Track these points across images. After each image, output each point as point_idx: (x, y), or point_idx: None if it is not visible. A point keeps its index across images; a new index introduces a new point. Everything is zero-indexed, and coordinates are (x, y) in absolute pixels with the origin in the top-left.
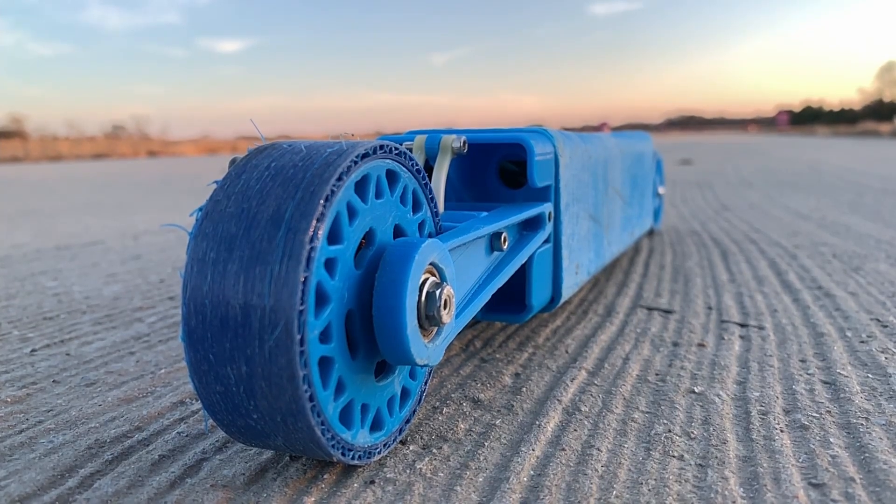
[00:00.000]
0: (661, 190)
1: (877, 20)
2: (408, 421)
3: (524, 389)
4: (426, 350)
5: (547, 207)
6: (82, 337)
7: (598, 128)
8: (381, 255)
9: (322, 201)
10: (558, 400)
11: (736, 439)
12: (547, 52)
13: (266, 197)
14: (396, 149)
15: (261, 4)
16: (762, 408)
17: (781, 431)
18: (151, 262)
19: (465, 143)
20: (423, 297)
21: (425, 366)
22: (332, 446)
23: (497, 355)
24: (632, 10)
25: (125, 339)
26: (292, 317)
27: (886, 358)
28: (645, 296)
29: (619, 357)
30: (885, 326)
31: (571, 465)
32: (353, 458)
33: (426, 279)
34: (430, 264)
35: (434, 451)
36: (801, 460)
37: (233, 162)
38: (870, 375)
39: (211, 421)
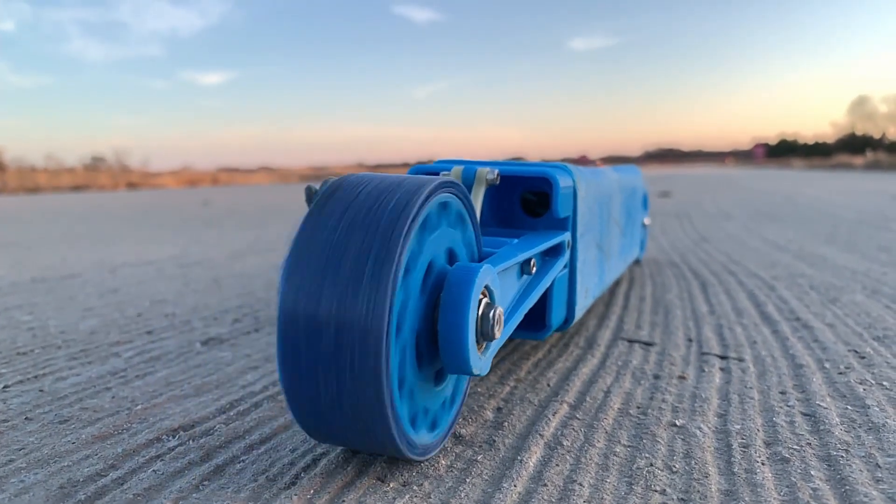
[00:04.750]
0: (646, 220)
1: (848, 55)
2: (454, 421)
3: (506, 424)
4: (480, 362)
5: (566, 236)
6: (57, 372)
7: (578, 160)
8: (438, 278)
9: (400, 241)
10: (540, 434)
11: (717, 472)
12: (527, 86)
13: (351, 235)
14: (452, 183)
15: (243, 38)
16: (743, 440)
17: (763, 464)
18: (129, 295)
19: (498, 175)
20: (479, 316)
21: (477, 375)
22: (404, 445)
23: (478, 389)
24: (610, 46)
25: (101, 374)
26: (380, 335)
27: (865, 389)
28: (626, 328)
29: (600, 390)
30: (863, 357)
31: (553, 500)
32: (418, 455)
33: (481, 300)
34: (484, 286)
35: (415, 487)
36: (782, 493)
37: (309, 189)
38: (849, 407)
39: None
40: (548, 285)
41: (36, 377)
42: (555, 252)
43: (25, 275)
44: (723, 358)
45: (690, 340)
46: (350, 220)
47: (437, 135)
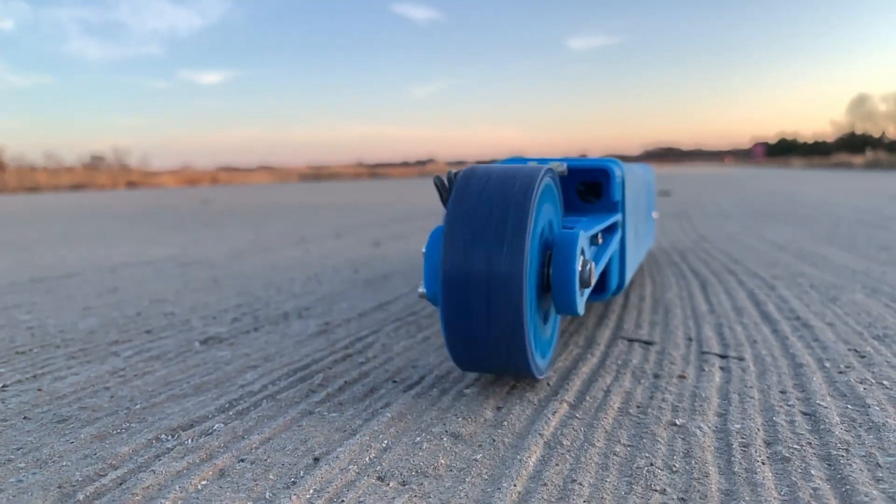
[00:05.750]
0: (654, 214)
1: (847, 54)
2: (553, 354)
3: (505, 423)
4: (581, 304)
5: (619, 217)
6: (55, 372)
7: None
8: (546, 242)
9: (529, 212)
10: (540, 434)
11: (717, 472)
12: (526, 85)
13: (492, 207)
14: (551, 171)
15: (243, 37)
16: (743, 440)
17: (763, 464)
18: (128, 294)
19: (566, 167)
20: (580, 268)
21: (578, 315)
22: (533, 367)
23: (477, 387)
24: (609, 45)
25: (100, 373)
26: (520, 285)
27: (865, 388)
28: (625, 327)
29: (600, 389)
30: (863, 357)
31: (553, 500)
32: (538, 374)
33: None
34: (581, 247)
35: (414, 487)
36: (782, 493)
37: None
38: (849, 406)
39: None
40: (609, 255)
41: (35, 376)
42: (611, 230)
43: (24, 274)
44: (723, 357)
45: (690, 339)
46: (488, 199)
47: (436, 134)
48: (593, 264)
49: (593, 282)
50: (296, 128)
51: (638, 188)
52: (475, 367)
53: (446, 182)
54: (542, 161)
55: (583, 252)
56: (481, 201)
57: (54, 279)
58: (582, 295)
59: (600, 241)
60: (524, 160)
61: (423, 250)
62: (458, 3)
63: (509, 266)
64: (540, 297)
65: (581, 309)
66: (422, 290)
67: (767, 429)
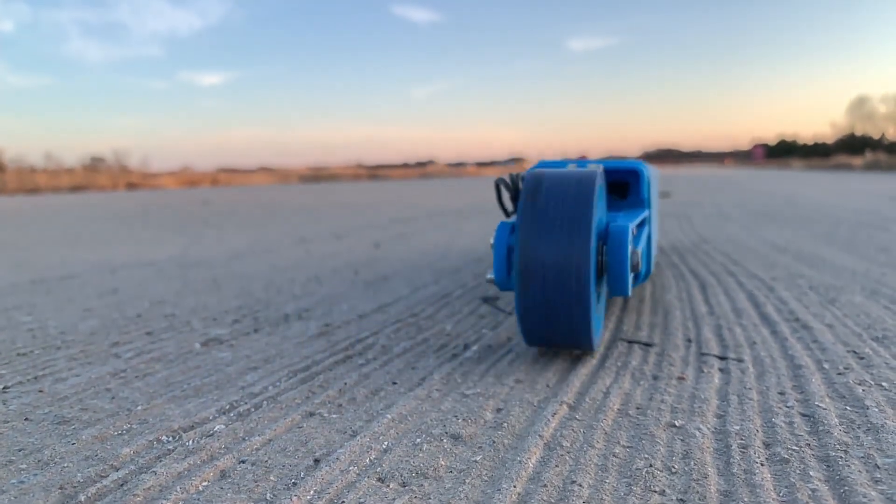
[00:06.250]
0: None
1: (847, 55)
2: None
3: (505, 424)
4: (630, 287)
5: (647, 213)
6: (56, 373)
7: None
8: (600, 234)
9: (592, 209)
10: (539, 435)
11: (717, 473)
12: (526, 86)
13: (560, 205)
14: (600, 173)
15: (243, 38)
16: (742, 441)
17: (762, 465)
18: (129, 296)
19: (603, 169)
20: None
21: (628, 296)
22: (594, 341)
23: (478, 389)
24: (609, 46)
25: (101, 375)
26: (587, 272)
27: (864, 390)
28: (625, 329)
29: (599, 391)
30: (862, 358)
31: (553, 501)
32: (595, 347)
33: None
34: (630, 237)
35: (414, 488)
36: (781, 494)
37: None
38: (848, 408)
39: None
40: (643, 245)
41: (36, 378)
42: (641, 224)
43: (25, 276)
44: (722, 359)
45: (690, 341)
46: (555, 198)
47: (436, 135)
48: (639, 252)
49: (641, 267)
50: (296, 129)
51: (656, 187)
52: (543, 342)
53: (510, 183)
54: (581, 164)
55: (631, 242)
56: (549, 200)
57: (55, 280)
58: (631, 279)
59: (635, 233)
60: (562, 163)
61: (491, 241)
62: (458, 5)
63: (577, 254)
64: (596, 281)
65: (630, 291)
66: (490, 275)
67: (766, 430)
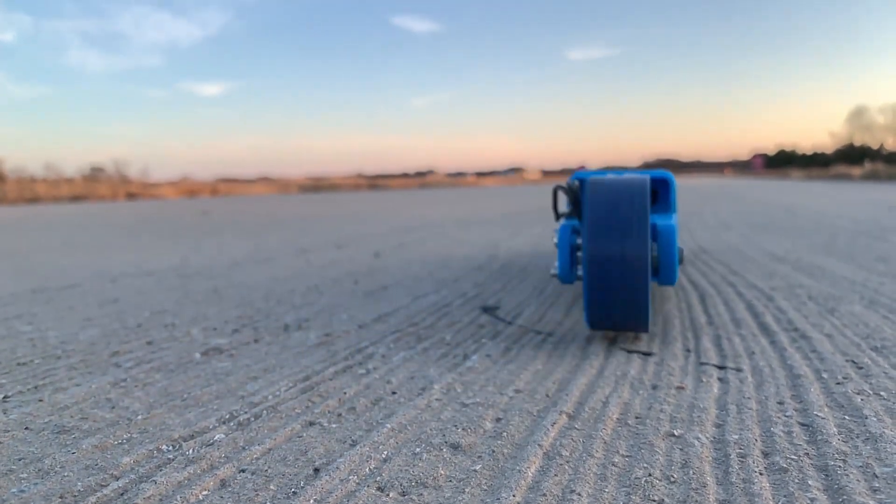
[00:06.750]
0: None
1: (846, 66)
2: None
3: (504, 434)
4: (677, 277)
5: (676, 217)
6: (57, 383)
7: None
8: (652, 231)
9: (647, 210)
10: (539, 444)
11: (715, 482)
12: (526, 96)
13: (620, 207)
14: (648, 178)
15: (243, 49)
16: (741, 451)
17: (760, 474)
18: (129, 305)
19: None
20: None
21: (673, 284)
22: (649, 324)
23: (477, 399)
24: (608, 56)
25: (101, 384)
26: (646, 264)
27: (862, 399)
28: (624, 338)
29: (599, 400)
30: (861, 368)
31: None
32: (648, 331)
33: None
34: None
35: (414, 497)
36: (780, 503)
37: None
38: (846, 417)
39: None
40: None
41: (36, 387)
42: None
43: (25, 285)
44: (721, 368)
45: (689, 351)
46: (615, 201)
47: (436, 145)
48: (682, 248)
49: (683, 261)
50: (296, 139)
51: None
52: (606, 326)
53: (569, 189)
54: (618, 173)
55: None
56: (610, 203)
57: (55, 290)
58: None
59: None
60: (600, 173)
61: (555, 241)
62: (457, 16)
63: (637, 249)
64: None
65: (676, 280)
66: (554, 270)
67: (765, 439)
